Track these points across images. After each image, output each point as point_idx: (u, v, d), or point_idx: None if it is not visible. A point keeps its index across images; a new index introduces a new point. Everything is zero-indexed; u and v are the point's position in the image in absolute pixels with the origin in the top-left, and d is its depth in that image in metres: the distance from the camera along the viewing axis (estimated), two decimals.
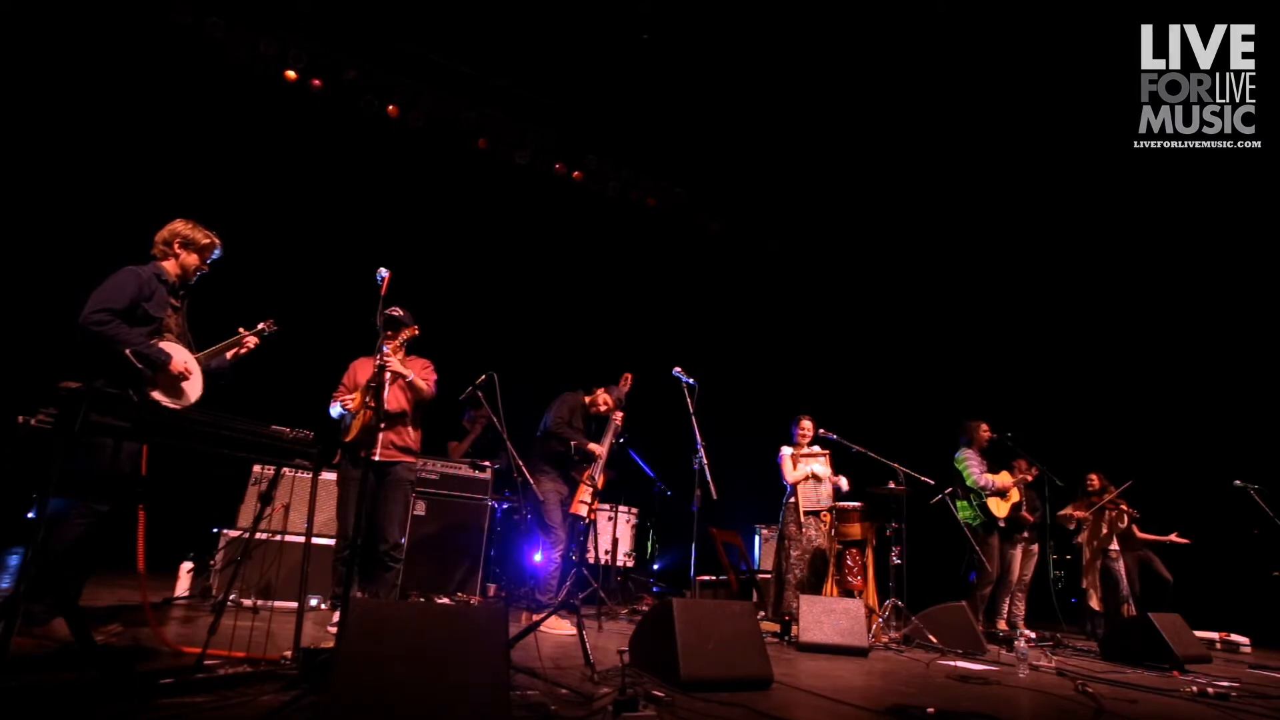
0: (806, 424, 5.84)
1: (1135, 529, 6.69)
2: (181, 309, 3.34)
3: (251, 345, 3.60)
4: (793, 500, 5.58)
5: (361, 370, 4.23)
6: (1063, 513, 6.66)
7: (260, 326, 3.62)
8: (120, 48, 6.23)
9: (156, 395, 3.08)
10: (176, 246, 3.33)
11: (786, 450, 5.77)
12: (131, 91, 6.33)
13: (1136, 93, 6.39)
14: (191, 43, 6.48)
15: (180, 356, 3.17)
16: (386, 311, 4.14)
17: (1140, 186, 8.20)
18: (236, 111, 6.86)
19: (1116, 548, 6.54)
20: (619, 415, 5.28)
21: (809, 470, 5.59)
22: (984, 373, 9.51)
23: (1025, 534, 6.33)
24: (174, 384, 3.13)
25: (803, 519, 5.50)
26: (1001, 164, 8.32)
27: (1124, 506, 6.58)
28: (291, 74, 6.97)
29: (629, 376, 5.42)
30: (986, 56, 7.09)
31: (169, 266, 3.32)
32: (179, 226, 3.38)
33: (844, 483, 5.59)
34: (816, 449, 5.74)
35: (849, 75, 7.48)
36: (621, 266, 9.07)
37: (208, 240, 3.40)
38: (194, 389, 3.22)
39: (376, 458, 3.99)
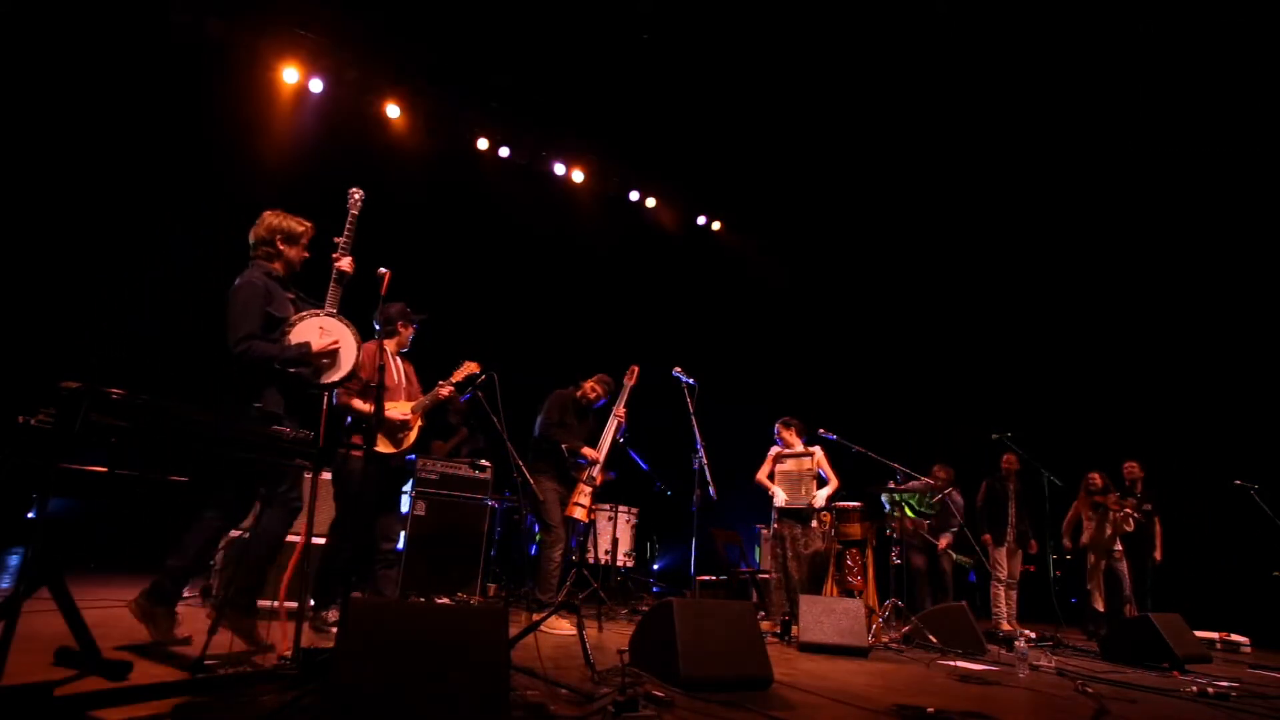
0: (787, 431, 5.91)
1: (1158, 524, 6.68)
2: (295, 299, 3.30)
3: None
4: (774, 501, 5.68)
5: (368, 358, 4.09)
6: (1069, 518, 6.69)
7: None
8: (115, 48, 6.23)
9: (325, 378, 3.13)
10: (279, 244, 3.27)
11: (773, 450, 5.85)
12: (126, 91, 6.32)
13: (1137, 89, 6.41)
14: (190, 42, 6.48)
15: (310, 334, 3.12)
16: (398, 307, 4.23)
17: (1138, 187, 8.21)
18: (234, 108, 6.86)
19: (1120, 548, 6.53)
20: (622, 413, 5.27)
21: (776, 470, 5.71)
22: (984, 372, 9.52)
23: (1009, 533, 6.42)
24: (327, 359, 3.14)
25: (780, 516, 5.56)
26: (1001, 163, 8.32)
27: (1129, 508, 6.57)
28: (292, 72, 6.98)
29: (635, 369, 5.41)
30: (984, 57, 7.10)
31: (276, 267, 3.26)
32: (273, 221, 3.28)
33: (822, 496, 5.53)
34: (800, 448, 5.77)
35: (846, 75, 7.49)
36: (623, 266, 9.08)
37: (303, 228, 3.33)
38: (348, 356, 3.18)
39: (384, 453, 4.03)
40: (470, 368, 4.21)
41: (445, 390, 4.16)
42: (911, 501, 6.12)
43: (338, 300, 3.28)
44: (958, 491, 6.69)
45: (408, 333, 4.33)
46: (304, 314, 3.16)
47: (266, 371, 3.00)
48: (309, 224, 3.37)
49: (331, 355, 3.13)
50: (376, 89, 7.44)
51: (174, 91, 6.51)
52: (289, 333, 3.10)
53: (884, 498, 5.97)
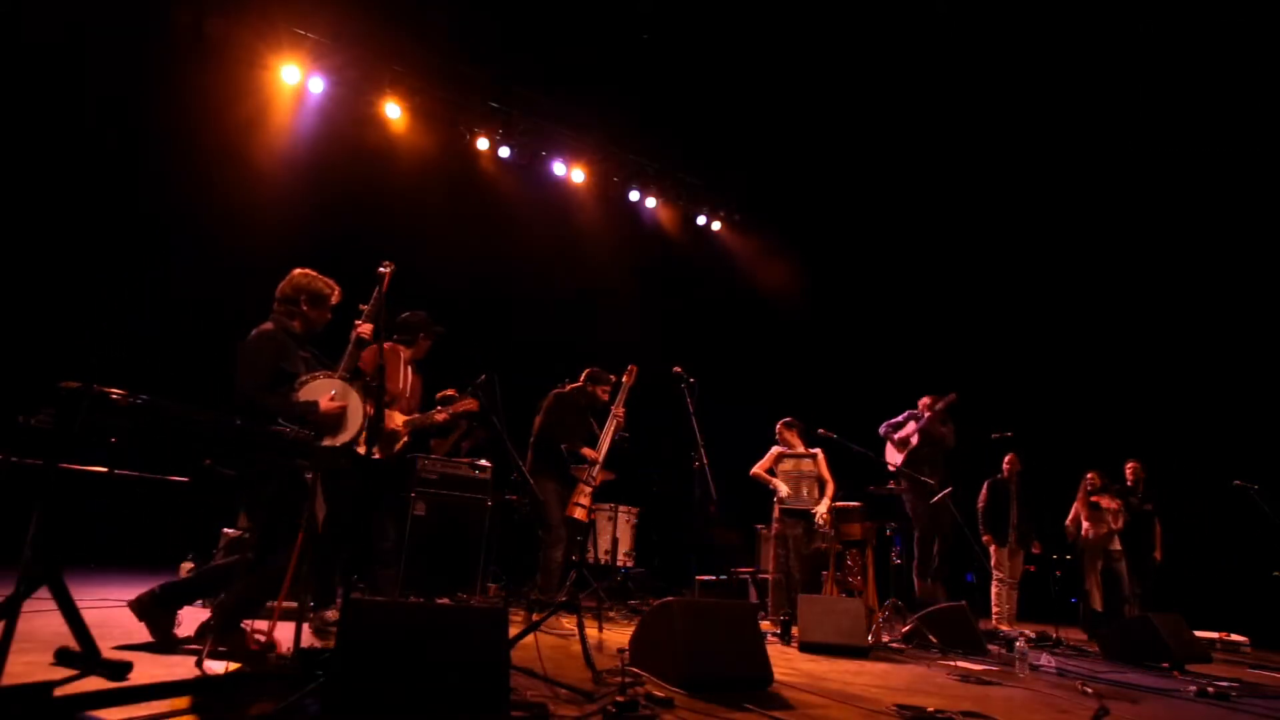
0: (789, 433, 5.95)
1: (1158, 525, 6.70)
2: (309, 357, 3.32)
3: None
4: (775, 500, 5.71)
5: (370, 355, 4.14)
6: (1070, 518, 6.69)
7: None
8: (113, 46, 6.22)
9: (329, 440, 3.13)
10: (303, 304, 3.28)
11: (775, 449, 5.88)
12: (126, 91, 6.32)
13: (1137, 89, 6.42)
14: (190, 41, 6.49)
15: (320, 394, 3.13)
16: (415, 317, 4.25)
17: (1139, 187, 8.21)
18: (235, 108, 6.86)
19: (1119, 547, 6.53)
20: (620, 412, 5.27)
21: (776, 469, 5.74)
22: (985, 373, 9.50)
23: (1013, 532, 6.44)
24: (332, 422, 3.14)
25: (781, 517, 5.57)
26: (1003, 163, 8.32)
27: (1117, 504, 6.57)
28: (292, 72, 6.98)
29: (634, 369, 5.40)
30: (983, 58, 7.09)
31: (295, 324, 3.28)
32: (301, 280, 3.30)
33: (824, 508, 5.51)
34: (801, 450, 5.79)
35: (848, 75, 7.50)
36: (622, 265, 9.07)
37: (329, 291, 3.35)
38: (354, 421, 3.19)
39: (378, 455, 4.02)
40: (469, 404, 4.23)
41: (440, 417, 4.21)
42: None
43: (353, 364, 3.32)
44: (938, 422, 6.65)
45: (427, 344, 4.36)
46: (316, 374, 3.18)
47: (271, 424, 2.98)
48: (337, 288, 3.38)
49: (338, 418, 3.14)
50: (376, 88, 7.43)
51: (174, 91, 6.50)
52: (299, 390, 3.11)
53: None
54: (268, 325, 3.21)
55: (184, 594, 3.05)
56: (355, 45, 7.20)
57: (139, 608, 2.93)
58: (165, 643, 2.94)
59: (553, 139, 8.43)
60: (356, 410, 3.19)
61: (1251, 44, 6.54)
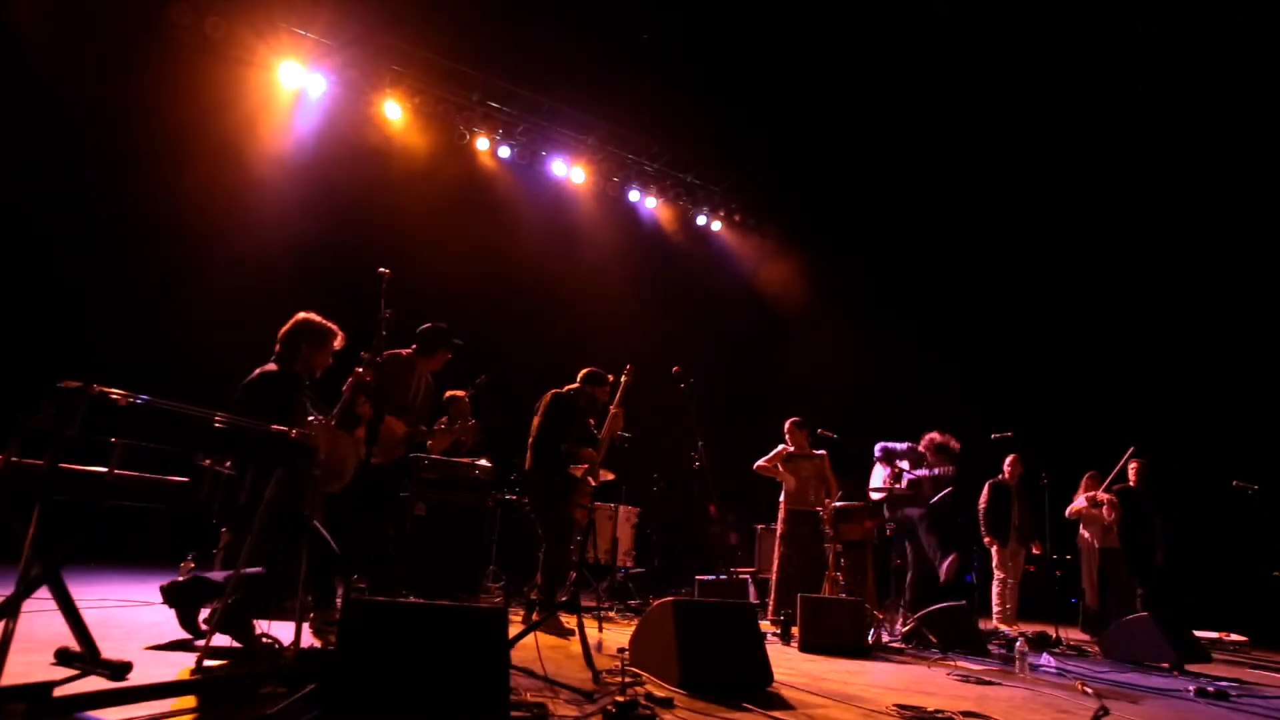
0: (799, 433, 5.92)
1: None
2: (309, 401, 3.33)
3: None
4: (782, 499, 5.69)
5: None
6: (1069, 513, 6.69)
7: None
8: (109, 44, 6.22)
9: (324, 487, 3.15)
10: (304, 346, 3.30)
11: (781, 448, 5.88)
12: (127, 92, 6.32)
13: (1137, 89, 6.41)
14: (189, 41, 6.49)
15: (324, 443, 3.13)
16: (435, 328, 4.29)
17: (1141, 189, 8.21)
18: (234, 108, 6.86)
19: (1119, 547, 6.53)
20: (619, 411, 5.26)
21: (778, 465, 5.74)
22: (986, 373, 9.51)
23: (1014, 532, 6.39)
24: (330, 467, 3.14)
25: (789, 517, 5.57)
26: (1007, 163, 8.32)
27: (1108, 498, 6.56)
28: (291, 71, 6.97)
29: (632, 368, 5.39)
30: (980, 58, 7.10)
31: (297, 366, 3.30)
32: (304, 324, 3.32)
33: (828, 511, 5.53)
34: (807, 450, 5.80)
35: (848, 75, 7.49)
36: (622, 265, 9.07)
37: (332, 335, 3.37)
38: (349, 468, 3.21)
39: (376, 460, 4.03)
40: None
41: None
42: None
43: (350, 410, 3.34)
44: (928, 484, 6.42)
45: (446, 357, 4.38)
46: (312, 420, 3.19)
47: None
48: (340, 333, 3.39)
49: (335, 470, 3.16)
50: (376, 88, 7.43)
51: (174, 91, 6.50)
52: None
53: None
54: (270, 366, 3.22)
55: (215, 590, 3.07)
56: (355, 45, 7.19)
57: (170, 594, 2.98)
58: (191, 632, 3.00)
59: (553, 139, 8.43)
60: (350, 458, 3.21)
61: (1251, 44, 6.54)
